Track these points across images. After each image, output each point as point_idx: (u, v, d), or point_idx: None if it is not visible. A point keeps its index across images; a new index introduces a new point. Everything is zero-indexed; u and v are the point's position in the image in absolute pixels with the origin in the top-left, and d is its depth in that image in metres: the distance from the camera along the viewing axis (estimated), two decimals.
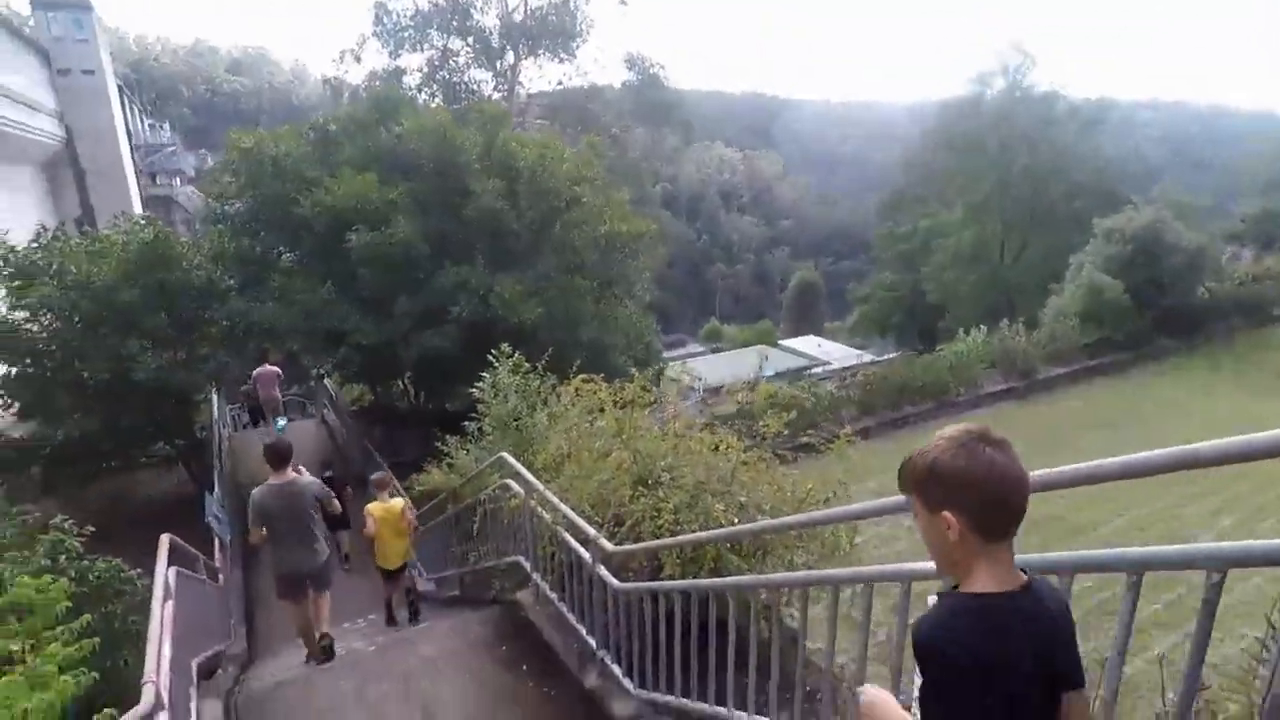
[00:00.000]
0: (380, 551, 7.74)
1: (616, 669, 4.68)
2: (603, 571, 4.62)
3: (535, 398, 7.79)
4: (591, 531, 4.64)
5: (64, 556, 7.37)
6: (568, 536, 5.03)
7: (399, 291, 12.47)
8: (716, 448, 5.52)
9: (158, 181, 40.03)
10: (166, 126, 47.21)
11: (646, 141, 43.46)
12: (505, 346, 8.29)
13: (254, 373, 13.87)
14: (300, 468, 6.25)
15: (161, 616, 4.02)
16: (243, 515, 6.89)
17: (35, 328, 11.16)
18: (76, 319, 11.10)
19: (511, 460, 6.04)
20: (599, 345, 12.39)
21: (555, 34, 34.49)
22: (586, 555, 4.77)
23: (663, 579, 4.46)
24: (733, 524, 4.70)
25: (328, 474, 9.12)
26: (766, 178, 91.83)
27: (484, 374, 8.19)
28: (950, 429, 1.35)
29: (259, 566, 10.65)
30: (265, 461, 6.07)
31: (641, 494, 5.03)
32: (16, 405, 11.59)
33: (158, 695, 3.40)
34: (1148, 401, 18.52)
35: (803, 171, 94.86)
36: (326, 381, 18.88)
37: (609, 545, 4.55)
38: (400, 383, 16.58)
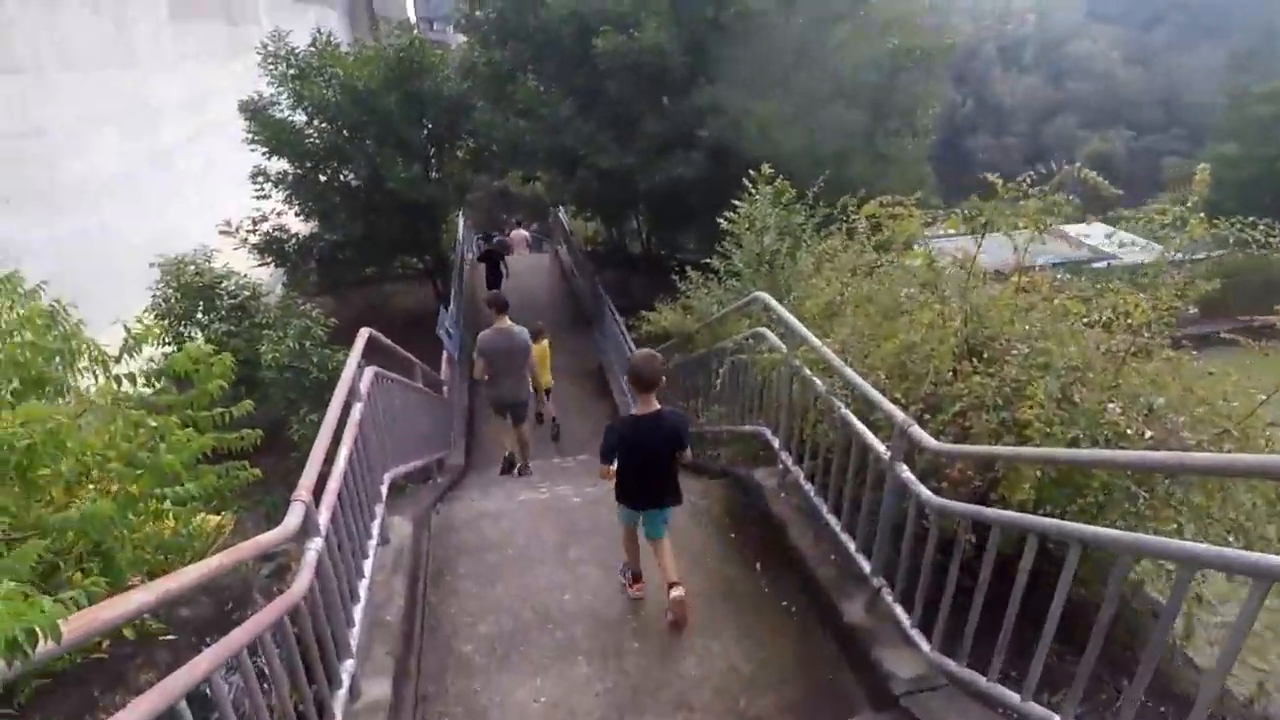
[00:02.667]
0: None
1: (899, 611, 3.21)
2: (906, 474, 3.06)
3: (800, 232, 6.08)
4: (899, 415, 3.03)
5: (309, 342, 7.49)
6: (849, 415, 3.48)
7: (645, 110, 11.03)
8: (1101, 322, 3.50)
9: (434, 27, 42.24)
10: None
11: None
12: (766, 168, 6.54)
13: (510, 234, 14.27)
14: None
15: (337, 418, 3.22)
16: (474, 340, 7.36)
17: (311, 130, 11.52)
18: (341, 122, 11.28)
19: (771, 302, 4.53)
20: (868, 188, 10.07)
21: None
22: (880, 447, 3.22)
23: (992, 504, 2.83)
24: (1144, 436, 2.81)
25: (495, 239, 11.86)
26: (1059, 30, 73.76)
27: (732, 206, 6.59)
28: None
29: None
30: (487, 305, 6.97)
31: (974, 370, 3.25)
32: (298, 206, 12.36)
33: (306, 517, 2.55)
34: None
35: (1112, 22, 74.74)
36: (562, 215, 18.64)
37: (926, 438, 2.93)
38: (635, 221, 15.62)
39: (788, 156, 9.31)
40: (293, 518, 2.50)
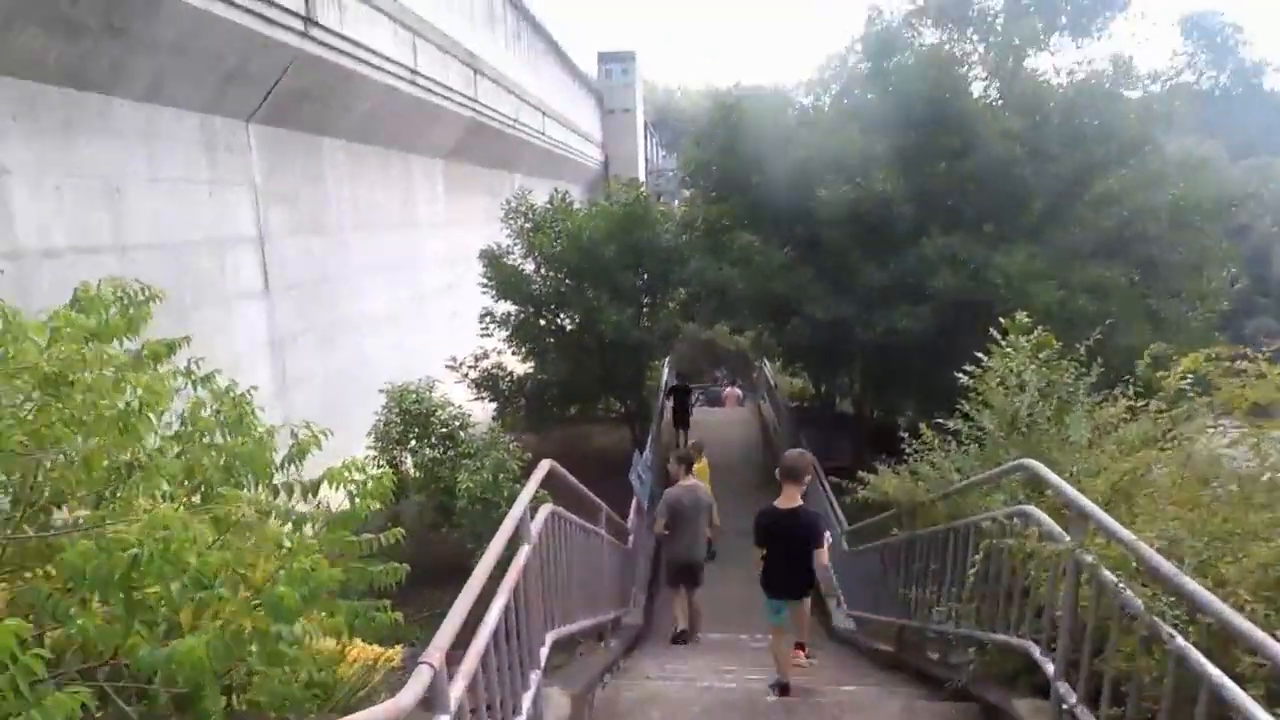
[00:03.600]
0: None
1: None
2: None
3: (1070, 394, 4.91)
4: None
5: (502, 475, 7.46)
6: (1191, 652, 2.31)
7: (867, 260, 10.49)
8: None
9: (661, 200, 46.89)
10: (673, 156, 55.25)
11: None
12: (1022, 316, 5.53)
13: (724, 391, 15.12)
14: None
15: (495, 560, 2.71)
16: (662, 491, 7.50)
17: (537, 278, 12.61)
18: (564, 270, 12.21)
19: (1045, 473, 3.46)
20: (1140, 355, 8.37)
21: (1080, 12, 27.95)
22: (1261, 715, 2.00)
23: None
24: None
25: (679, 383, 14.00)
26: None
27: (972, 361, 5.58)
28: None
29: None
30: (676, 462, 7.10)
31: None
32: (517, 345, 13.38)
33: (433, 686, 1.98)
34: None
35: None
36: (766, 369, 18.23)
37: None
38: (847, 377, 14.69)
39: (1039, 315, 8.09)
40: (411, 688, 1.94)
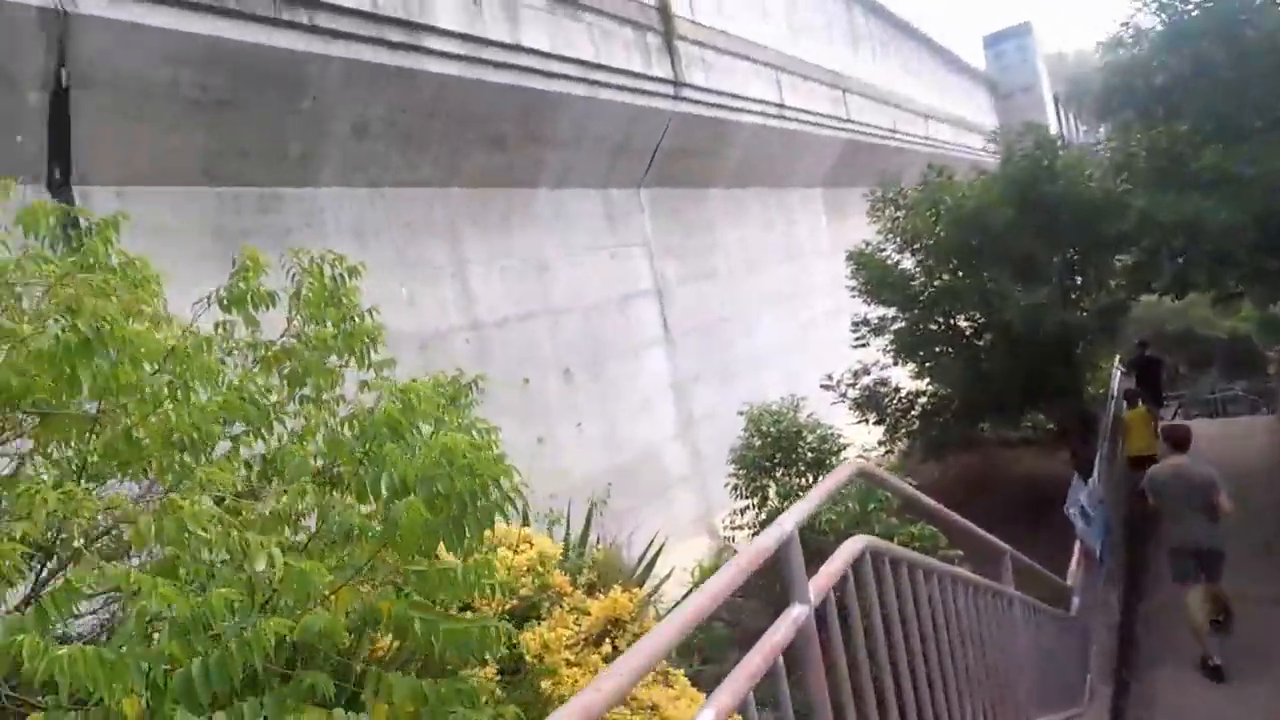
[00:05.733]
0: None
1: None
2: None
3: None
4: None
5: (874, 505, 6.41)
6: None
7: None
8: None
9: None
10: (1101, 129, 45.74)
11: None
12: None
13: None
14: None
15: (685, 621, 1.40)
16: (1129, 519, 6.89)
17: (918, 271, 10.82)
18: (952, 258, 10.25)
19: None
20: None
21: None
22: None
23: None
24: None
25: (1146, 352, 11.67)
26: None
27: None
28: None
29: (1152, 592, 7.57)
30: (1164, 439, 6.45)
31: None
32: (901, 357, 11.30)
33: None
34: None
35: None
36: None
37: None
38: None
39: None
40: None
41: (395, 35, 5.07)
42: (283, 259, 2.41)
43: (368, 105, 5.12)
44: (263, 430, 2.17)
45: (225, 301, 2.27)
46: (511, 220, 6.96)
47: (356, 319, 2.45)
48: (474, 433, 2.12)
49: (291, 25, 4.26)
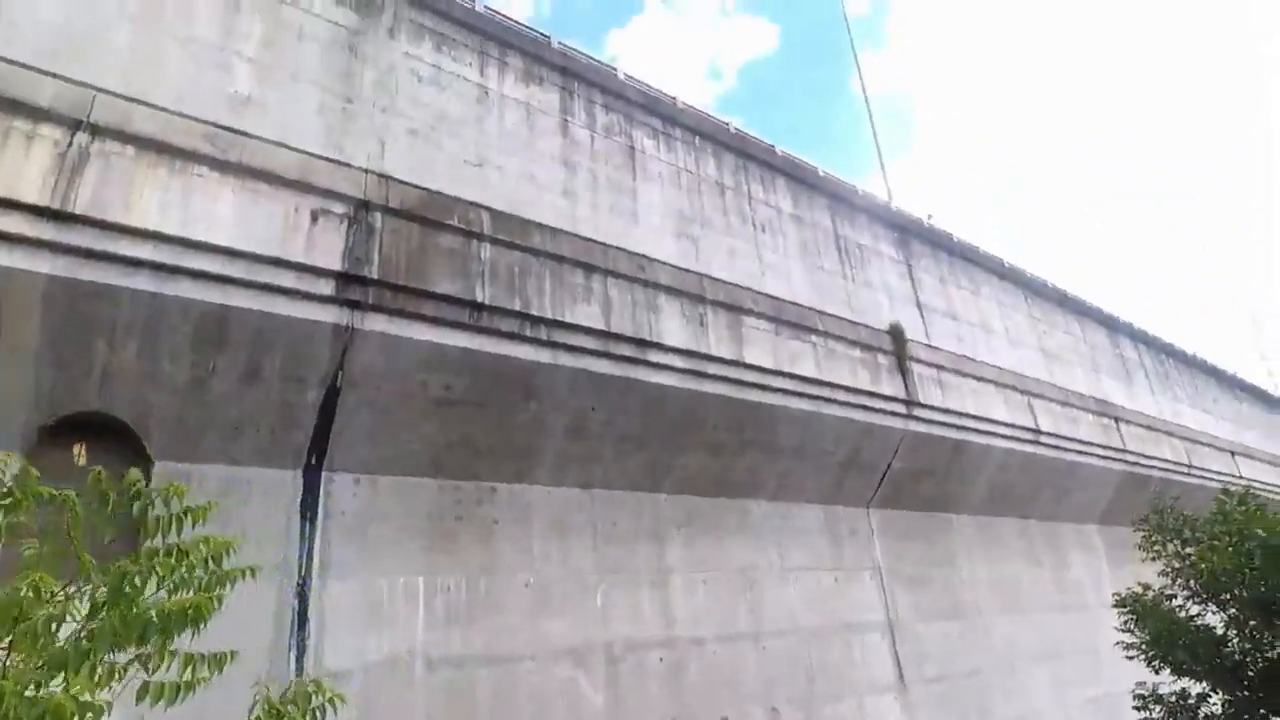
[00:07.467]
0: None
1: None
2: None
3: None
4: None
5: None
6: None
7: None
8: None
9: None
10: None
11: None
12: None
13: None
14: None
15: None
16: None
17: (1231, 632, 7.82)
18: (1266, 604, 7.29)
19: None
20: None
21: None
22: None
23: None
24: None
25: None
26: None
27: None
28: None
29: None
30: None
31: None
32: None
33: None
34: None
35: None
36: None
37: None
38: None
39: None
40: None
41: (623, 350, 5.56)
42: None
43: (587, 409, 5.47)
44: None
45: None
46: (722, 529, 6.60)
47: None
48: None
49: (531, 340, 4.86)
